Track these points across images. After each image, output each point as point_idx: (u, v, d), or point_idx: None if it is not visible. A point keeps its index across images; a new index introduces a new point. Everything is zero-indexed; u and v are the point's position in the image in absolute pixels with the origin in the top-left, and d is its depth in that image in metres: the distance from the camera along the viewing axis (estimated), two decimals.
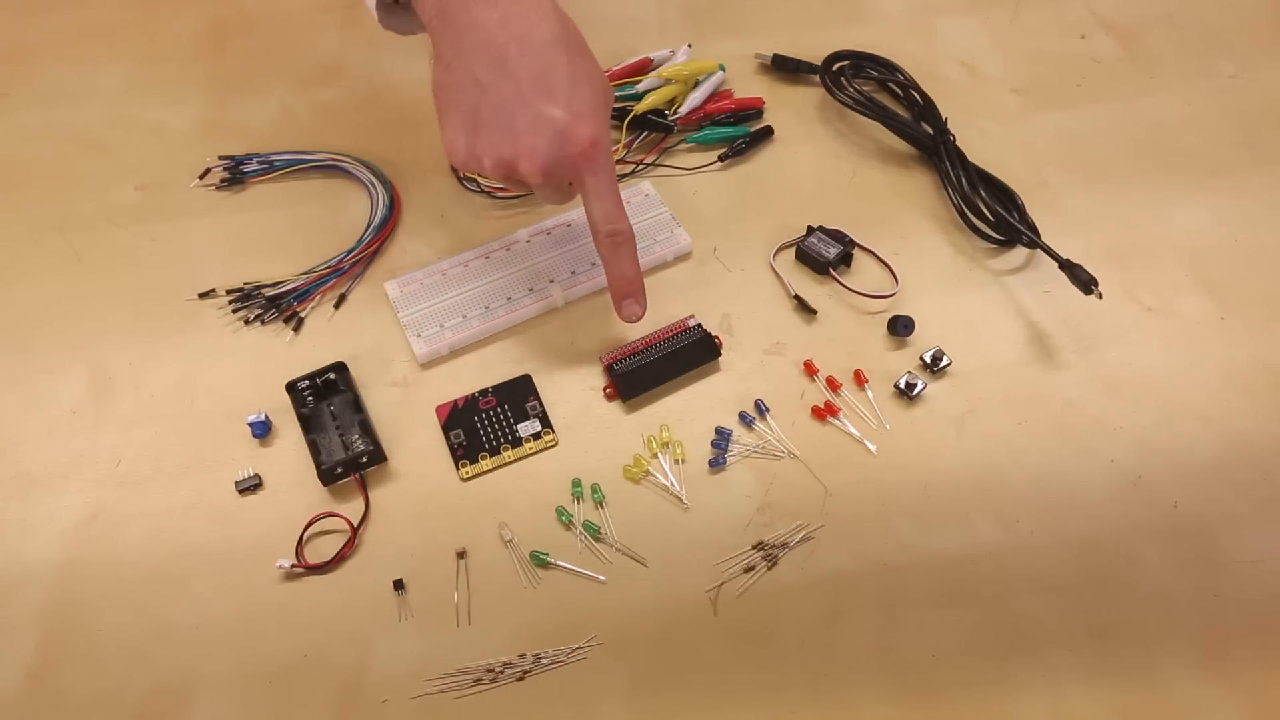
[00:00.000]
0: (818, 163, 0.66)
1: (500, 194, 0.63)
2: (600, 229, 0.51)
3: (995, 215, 0.60)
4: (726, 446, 0.54)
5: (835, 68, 0.67)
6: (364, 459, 0.52)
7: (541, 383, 0.56)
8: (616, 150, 0.64)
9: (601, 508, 0.52)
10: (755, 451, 0.54)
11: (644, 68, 0.68)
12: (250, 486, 0.52)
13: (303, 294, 0.59)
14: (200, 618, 0.49)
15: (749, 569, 0.50)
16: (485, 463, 0.53)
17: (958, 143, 0.63)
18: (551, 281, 0.59)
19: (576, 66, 0.48)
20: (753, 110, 0.68)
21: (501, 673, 0.47)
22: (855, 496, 0.52)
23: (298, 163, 0.64)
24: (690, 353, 0.56)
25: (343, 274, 0.60)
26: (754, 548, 0.50)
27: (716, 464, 0.53)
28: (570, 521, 0.51)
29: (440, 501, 0.52)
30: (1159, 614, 0.49)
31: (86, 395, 0.56)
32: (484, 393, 0.55)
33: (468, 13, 0.48)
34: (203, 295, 0.59)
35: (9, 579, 0.50)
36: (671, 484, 0.53)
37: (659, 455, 0.53)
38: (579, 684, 0.47)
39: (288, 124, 0.68)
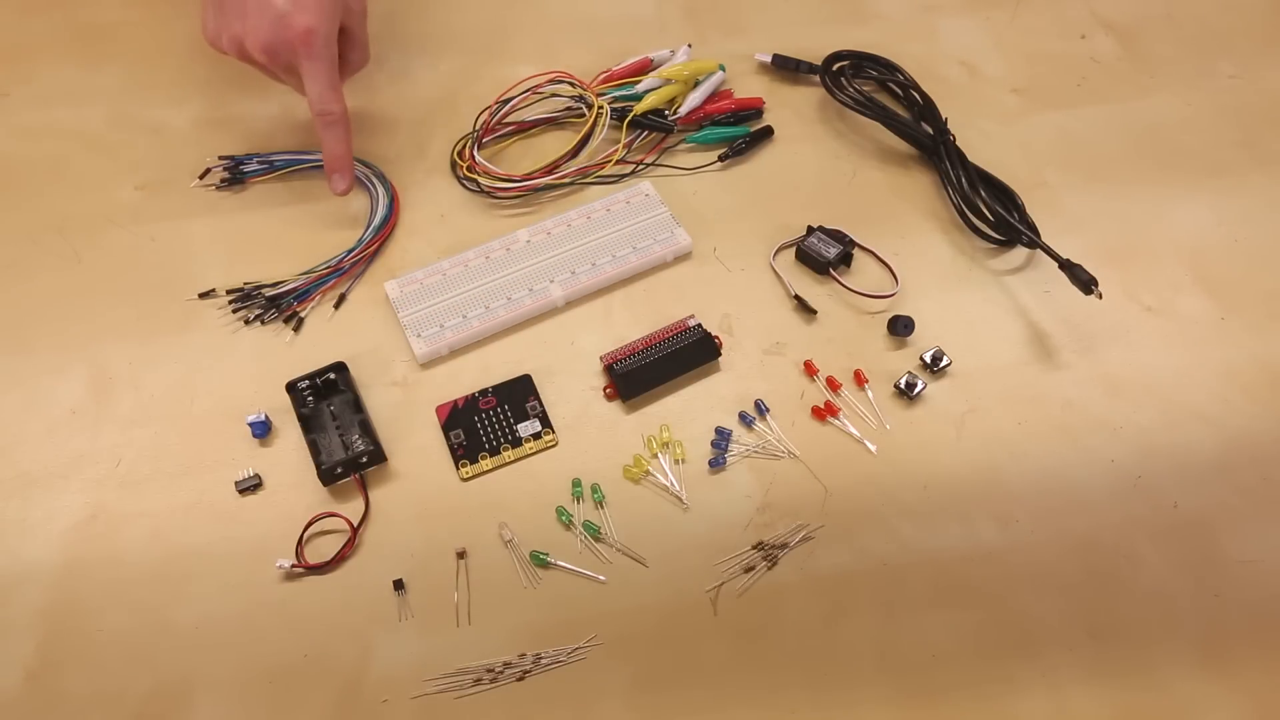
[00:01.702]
0: (818, 163, 0.66)
1: (500, 194, 0.63)
2: (314, 108, 0.58)
3: (995, 215, 0.60)
4: (726, 446, 0.54)
5: (835, 68, 0.67)
6: (364, 459, 0.52)
7: (541, 383, 0.56)
8: (616, 150, 0.64)
9: (601, 508, 0.52)
10: (755, 451, 0.54)
11: (644, 68, 0.68)
12: (250, 486, 0.52)
13: (303, 294, 0.59)
14: (200, 618, 0.49)
15: (749, 569, 0.50)
16: (485, 463, 0.53)
17: (958, 143, 0.63)
18: (551, 281, 0.59)
19: None
20: (753, 110, 0.68)
21: (501, 673, 0.47)
22: (855, 496, 0.52)
23: (298, 163, 0.64)
24: (690, 353, 0.56)
25: (343, 274, 0.60)
26: (754, 548, 0.50)
27: (716, 464, 0.53)
28: (570, 521, 0.51)
29: (440, 501, 0.52)
30: (1159, 614, 0.49)
31: (86, 395, 0.56)
32: (484, 393, 0.55)
33: None
34: (203, 295, 0.59)
35: (9, 579, 0.50)
36: (671, 484, 0.53)
37: (659, 455, 0.53)
38: (579, 684, 0.47)
39: (288, 124, 0.68)
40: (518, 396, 0.55)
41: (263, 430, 0.54)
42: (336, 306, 0.59)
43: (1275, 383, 0.56)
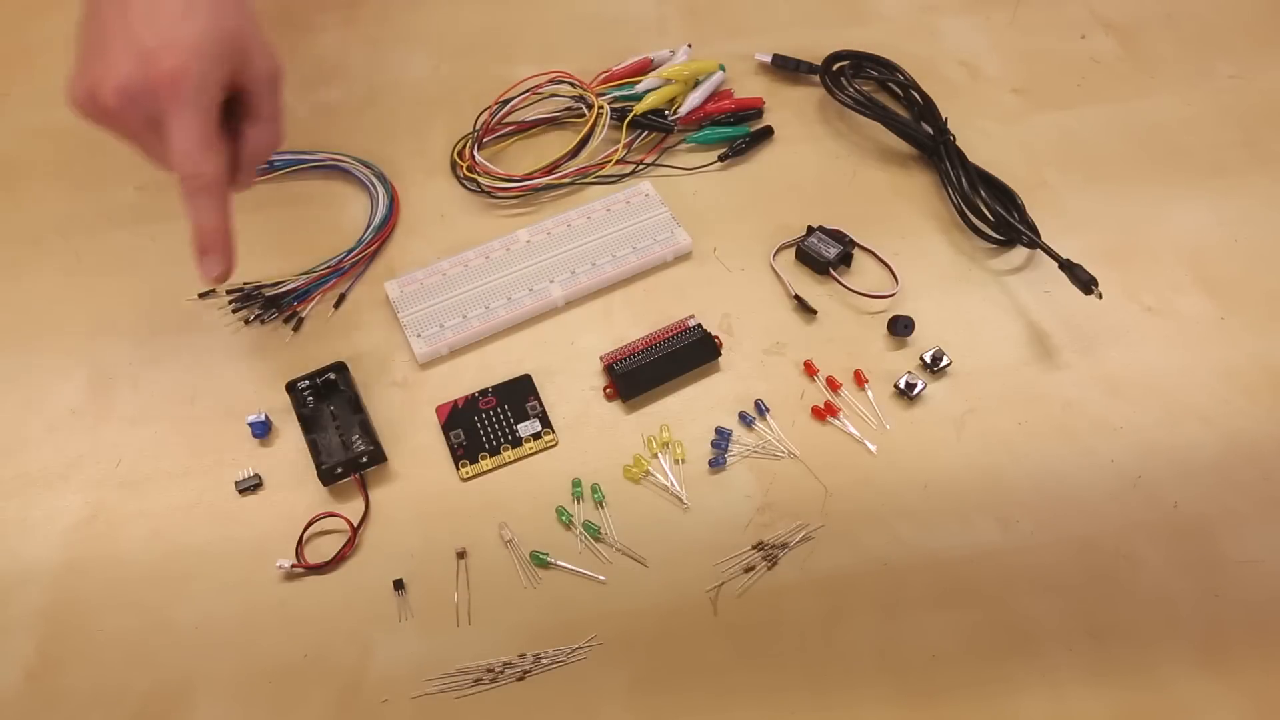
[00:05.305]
0: (818, 163, 0.66)
1: (500, 194, 0.63)
2: (178, 168, 0.45)
3: (995, 215, 0.60)
4: (726, 446, 0.54)
5: (835, 68, 0.67)
6: (364, 459, 0.52)
7: (541, 383, 0.56)
8: (616, 150, 0.64)
9: (601, 508, 0.52)
10: (755, 451, 0.54)
11: (644, 68, 0.68)
12: (250, 486, 0.52)
13: (303, 294, 0.59)
14: (200, 618, 0.49)
15: (749, 569, 0.50)
16: (485, 463, 0.53)
17: (958, 143, 0.63)
18: (551, 281, 0.59)
19: (197, 5, 0.44)
20: (753, 110, 0.68)
21: (501, 673, 0.47)
22: (855, 496, 0.52)
23: (298, 163, 0.64)
24: (690, 353, 0.56)
25: (343, 274, 0.60)
26: (754, 548, 0.50)
27: (716, 464, 0.53)
28: (570, 521, 0.51)
29: (440, 501, 0.52)
30: (1159, 614, 0.49)
31: (86, 395, 0.56)
32: (484, 393, 0.55)
33: None
34: (203, 295, 0.59)
35: (9, 579, 0.50)
36: (671, 484, 0.53)
37: (659, 455, 0.53)
38: (579, 684, 0.47)
39: (288, 124, 0.67)
40: (518, 396, 0.55)
41: (263, 430, 0.54)
42: (336, 306, 0.59)
43: (1275, 383, 0.56)
